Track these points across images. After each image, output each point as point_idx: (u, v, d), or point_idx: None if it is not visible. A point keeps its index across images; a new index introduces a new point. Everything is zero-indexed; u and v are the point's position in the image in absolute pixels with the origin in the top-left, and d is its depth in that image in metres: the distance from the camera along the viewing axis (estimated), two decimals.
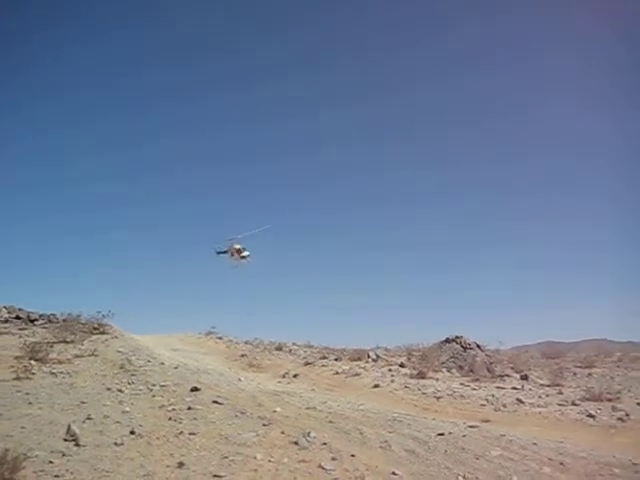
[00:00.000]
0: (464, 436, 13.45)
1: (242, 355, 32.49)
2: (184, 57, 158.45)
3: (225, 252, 38.61)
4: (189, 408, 14.25)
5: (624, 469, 11.33)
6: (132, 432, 11.61)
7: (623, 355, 51.43)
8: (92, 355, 20.81)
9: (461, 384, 24.80)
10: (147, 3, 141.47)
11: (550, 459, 11.75)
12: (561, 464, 11.36)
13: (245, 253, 38.12)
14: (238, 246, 38.28)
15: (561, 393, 23.05)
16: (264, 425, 13.04)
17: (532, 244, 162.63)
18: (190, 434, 11.80)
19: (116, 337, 25.13)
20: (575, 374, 31.39)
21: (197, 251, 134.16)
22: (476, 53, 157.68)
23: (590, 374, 32.06)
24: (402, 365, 29.25)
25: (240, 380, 21.48)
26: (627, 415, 18.29)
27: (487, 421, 17.02)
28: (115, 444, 10.77)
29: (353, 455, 10.94)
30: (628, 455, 12.63)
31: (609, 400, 20.92)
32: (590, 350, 57.47)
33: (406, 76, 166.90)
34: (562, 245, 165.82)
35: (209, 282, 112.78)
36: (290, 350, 36.67)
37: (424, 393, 22.24)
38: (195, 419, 13.25)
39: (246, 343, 38.87)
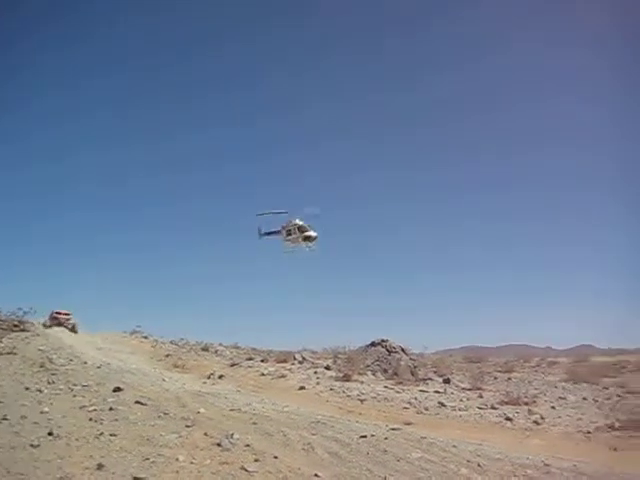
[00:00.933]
0: (386, 438, 13.66)
1: (167, 355, 32.13)
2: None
3: (276, 232, 29.66)
4: (111, 409, 13.99)
5: (536, 470, 11.75)
6: (50, 433, 11.30)
7: (541, 360, 53.49)
8: (11, 353, 20.21)
9: (385, 387, 25.19)
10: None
11: (468, 461, 12.05)
12: (478, 465, 11.66)
13: (311, 233, 28.46)
14: (300, 222, 28.72)
15: (481, 397, 23.73)
16: (187, 426, 12.91)
17: (460, 247, 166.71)
18: (111, 435, 11.57)
19: (37, 335, 24.50)
20: (495, 378, 32.38)
21: (124, 252, 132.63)
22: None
23: (509, 378, 33.17)
24: (328, 368, 29.47)
25: (164, 380, 21.24)
26: (542, 418, 19.02)
27: (409, 424, 17.33)
28: (32, 445, 10.45)
29: (276, 457, 10.94)
30: (541, 456, 13.17)
31: (526, 404, 21.71)
32: (511, 355, 59.49)
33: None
34: (490, 247, 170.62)
35: (136, 281, 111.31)
36: (216, 351, 36.43)
37: (349, 396, 22.47)
38: (117, 420, 13.01)
39: (172, 343, 38.46)
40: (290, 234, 28.69)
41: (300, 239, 28.39)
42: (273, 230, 29.86)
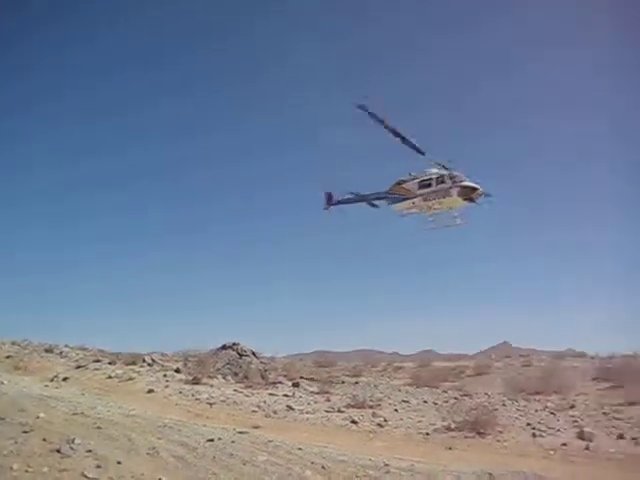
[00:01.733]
0: (233, 442, 13.76)
1: (8, 357, 30.45)
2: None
3: (374, 196, 23.23)
4: None
5: (377, 470, 12.29)
6: None
7: (388, 365, 55.90)
8: None
9: (235, 390, 25.28)
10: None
11: (313, 463, 12.39)
12: (323, 467, 12.02)
13: (472, 184, 21.70)
14: (466, 182, 21.53)
15: (329, 400, 24.42)
16: (25, 432, 12.33)
17: (313, 255, 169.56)
18: None
19: None
20: (343, 382, 33.42)
21: None
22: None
23: (357, 382, 34.38)
24: (178, 370, 29.21)
25: (3, 383, 20.24)
26: (385, 421, 19.90)
27: (257, 427, 17.50)
28: None
29: (119, 462, 10.72)
30: (382, 457, 13.76)
31: (371, 407, 22.61)
32: (360, 360, 61.72)
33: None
34: (340, 255, 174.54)
35: None
36: (61, 352, 34.91)
37: (198, 399, 22.37)
38: None
39: (13, 344, 36.46)
40: (429, 185, 21.64)
41: (454, 192, 21.00)
42: (368, 194, 23.08)
